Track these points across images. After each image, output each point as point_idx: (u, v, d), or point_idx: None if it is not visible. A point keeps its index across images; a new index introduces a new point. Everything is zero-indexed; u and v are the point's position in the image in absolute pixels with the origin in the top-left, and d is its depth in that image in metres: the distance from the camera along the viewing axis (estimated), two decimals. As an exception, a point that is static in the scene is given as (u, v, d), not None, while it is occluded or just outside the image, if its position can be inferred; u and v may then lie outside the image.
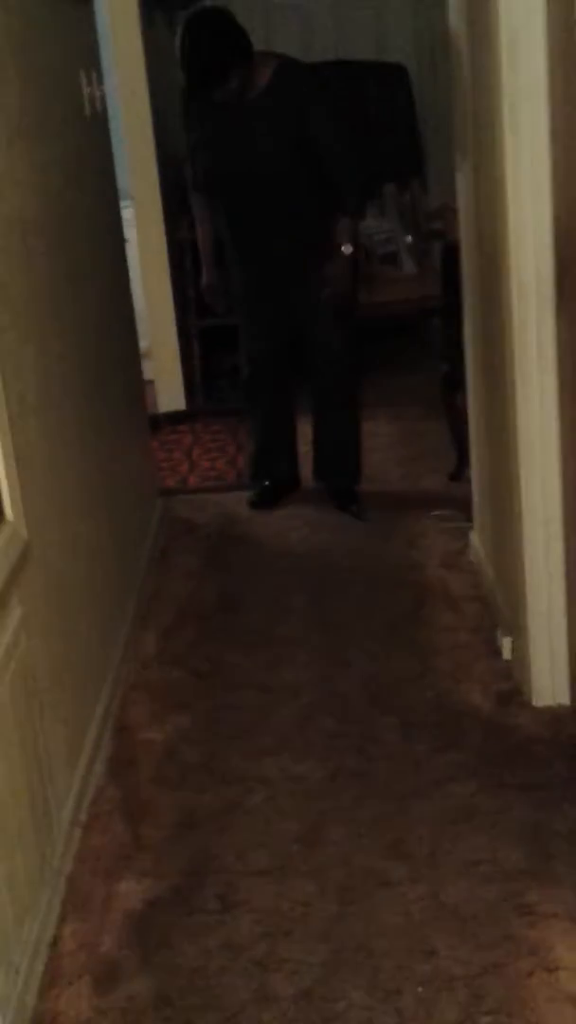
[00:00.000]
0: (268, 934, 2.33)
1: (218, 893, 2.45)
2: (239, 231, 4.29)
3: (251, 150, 4.06)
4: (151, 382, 5.36)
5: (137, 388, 4.36)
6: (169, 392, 5.65)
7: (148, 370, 4.97)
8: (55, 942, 2.34)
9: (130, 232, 4.71)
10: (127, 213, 4.72)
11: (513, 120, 2.65)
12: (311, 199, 4.11)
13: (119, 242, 4.20)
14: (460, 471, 4.36)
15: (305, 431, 4.58)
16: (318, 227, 4.11)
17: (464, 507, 3.97)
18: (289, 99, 4.00)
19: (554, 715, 2.93)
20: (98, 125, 3.82)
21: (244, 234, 4.28)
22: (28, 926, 2.24)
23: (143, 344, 4.68)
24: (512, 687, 3.08)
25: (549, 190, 2.65)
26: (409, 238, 5.99)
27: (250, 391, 4.58)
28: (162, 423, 5.47)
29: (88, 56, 3.71)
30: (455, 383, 4.25)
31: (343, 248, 4.11)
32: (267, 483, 4.56)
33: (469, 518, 3.89)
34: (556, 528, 2.84)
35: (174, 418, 5.60)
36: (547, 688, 2.96)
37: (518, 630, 3.06)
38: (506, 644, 3.19)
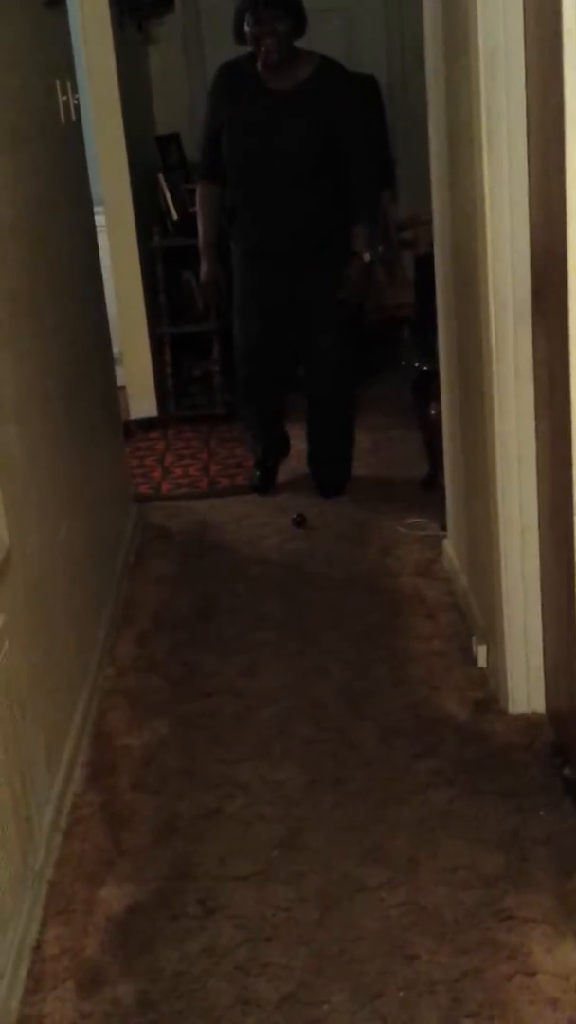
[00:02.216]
0: (250, 939, 2.35)
1: (199, 898, 2.47)
2: (250, 219, 4.35)
3: (281, 137, 4.20)
4: (123, 388, 5.36)
5: (111, 394, 4.37)
6: (141, 398, 5.66)
7: (120, 376, 4.97)
8: (38, 947, 2.35)
9: (102, 239, 4.72)
10: (99, 219, 4.73)
11: (491, 135, 2.68)
12: (325, 200, 4.25)
13: (94, 249, 4.21)
14: (433, 480, 4.40)
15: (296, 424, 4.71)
16: (327, 228, 4.26)
17: (437, 516, 4.01)
18: (327, 96, 4.19)
19: (529, 722, 2.97)
20: (73, 133, 3.83)
21: (255, 222, 4.34)
22: (11, 931, 2.25)
23: (115, 350, 4.69)
24: (488, 695, 3.12)
25: (526, 204, 2.69)
26: (380, 248, 6.02)
27: (246, 389, 4.67)
28: (134, 430, 5.48)
29: (63, 64, 3.72)
30: (428, 393, 4.29)
31: (364, 255, 4.27)
32: (262, 470, 4.75)
33: (443, 527, 3.92)
34: (532, 537, 2.87)
35: (146, 425, 5.61)
36: (523, 696, 2.99)
37: (493, 638, 3.09)
38: (481, 652, 3.23)
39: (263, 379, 4.61)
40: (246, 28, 4.15)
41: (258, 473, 4.75)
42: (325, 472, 4.65)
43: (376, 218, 4.43)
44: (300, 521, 4.35)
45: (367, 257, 4.28)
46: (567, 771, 2.72)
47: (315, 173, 4.22)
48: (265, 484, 4.72)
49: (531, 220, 2.68)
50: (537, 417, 2.78)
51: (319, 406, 4.61)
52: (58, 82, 3.54)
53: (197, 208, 4.54)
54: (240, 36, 4.21)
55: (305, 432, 4.71)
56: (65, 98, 3.62)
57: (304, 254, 4.30)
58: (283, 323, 4.47)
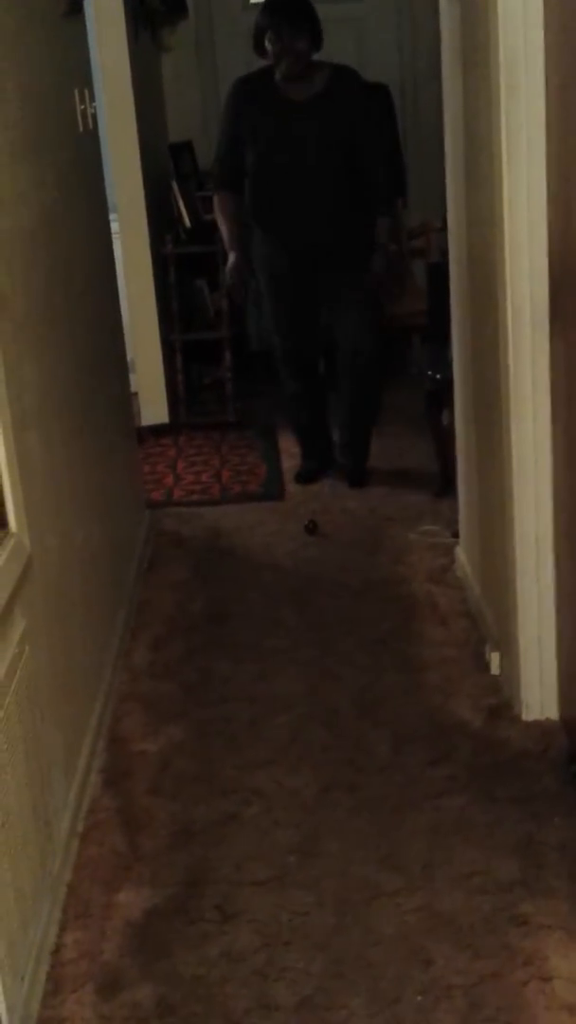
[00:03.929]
0: (267, 944, 2.36)
1: (217, 903, 2.48)
2: (273, 225, 4.51)
3: (301, 144, 4.36)
4: (135, 395, 5.38)
5: (126, 400, 4.39)
6: (153, 405, 5.68)
7: (132, 383, 5.00)
8: (57, 950, 2.36)
9: (115, 245, 4.74)
10: (112, 226, 4.75)
11: (510, 144, 2.70)
12: (345, 201, 4.42)
13: (109, 256, 4.24)
14: (445, 488, 4.42)
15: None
16: (348, 228, 4.43)
17: (450, 523, 4.03)
18: (342, 102, 4.37)
19: (543, 729, 2.98)
20: (90, 141, 3.86)
21: (279, 223, 4.49)
22: (31, 934, 2.26)
23: (127, 357, 4.71)
24: (501, 701, 3.13)
25: (544, 212, 2.70)
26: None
27: (288, 366, 4.83)
28: (145, 436, 5.50)
29: (81, 74, 3.75)
30: (441, 401, 4.31)
31: (390, 245, 4.48)
32: (311, 463, 4.94)
33: (455, 534, 3.94)
34: (547, 545, 2.89)
35: (157, 431, 5.63)
36: (536, 703, 3.01)
37: (507, 645, 3.11)
38: (494, 659, 3.24)
39: (303, 351, 4.79)
40: (267, 45, 4.30)
41: (303, 465, 4.94)
42: (354, 459, 4.82)
43: (396, 212, 4.60)
44: (312, 528, 4.36)
45: (392, 247, 4.49)
46: (582, 778, 2.74)
47: (335, 176, 4.38)
48: (309, 476, 4.89)
49: (549, 228, 2.70)
50: (553, 423, 2.79)
51: (346, 396, 4.78)
52: (76, 91, 3.57)
53: (217, 214, 4.69)
54: (260, 50, 4.36)
55: (336, 422, 4.91)
56: (83, 107, 3.65)
57: (326, 252, 4.47)
58: (311, 306, 4.66)
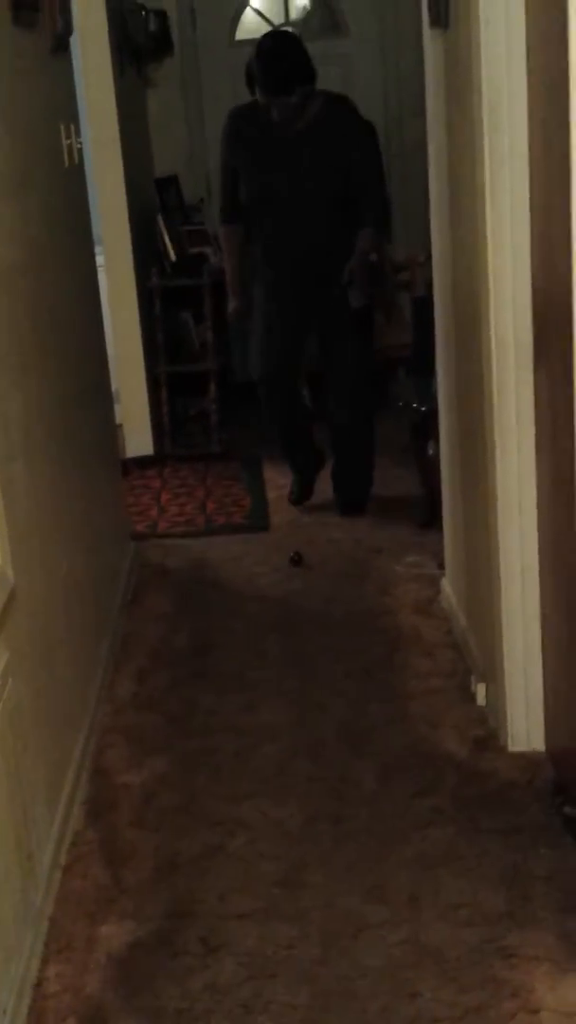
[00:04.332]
0: (252, 976, 2.34)
1: (200, 936, 2.47)
2: (273, 244, 4.58)
3: (298, 173, 4.43)
4: (120, 426, 5.38)
5: (110, 432, 4.40)
6: (137, 437, 5.69)
7: (117, 414, 5.01)
8: (39, 983, 2.34)
9: (100, 278, 4.76)
10: (98, 259, 4.78)
11: (493, 180, 2.73)
12: (341, 220, 4.49)
13: (94, 288, 4.25)
14: (430, 519, 4.43)
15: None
16: (343, 240, 4.49)
17: (435, 554, 4.04)
18: (338, 131, 4.43)
19: (529, 761, 2.98)
20: (76, 175, 3.88)
21: (277, 247, 4.58)
22: (13, 967, 2.24)
23: (112, 388, 4.73)
24: (487, 732, 3.13)
25: (528, 247, 2.73)
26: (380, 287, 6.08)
27: (269, 411, 4.87)
28: (130, 468, 5.50)
29: (67, 109, 3.77)
30: (426, 432, 4.32)
31: (370, 255, 4.53)
32: (300, 481, 4.96)
33: (441, 565, 3.94)
34: (532, 576, 2.89)
35: (142, 463, 5.64)
36: (522, 734, 3.01)
37: (493, 677, 3.11)
38: (480, 690, 3.24)
39: (282, 399, 4.80)
40: (257, 92, 4.36)
41: (296, 485, 4.96)
42: (345, 489, 4.84)
43: (383, 228, 4.66)
44: (297, 560, 4.37)
45: (373, 257, 4.53)
46: (567, 809, 2.73)
47: (331, 201, 4.47)
48: (301, 496, 4.93)
49: (532, 262, 2.72)
50: (538, 456, 2.81)
51: (341, 423, 4.81)
52: (63, 126, 3.60)
53: (223, 250, 4.82)
54: (251, 89, 4.42)
55: (331, 448, 4.92)
56: (69, 142, 3.67)
57: (321, 276, 4.52)
58: (301, 343, 4.72)
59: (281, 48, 4.35)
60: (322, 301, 4.60)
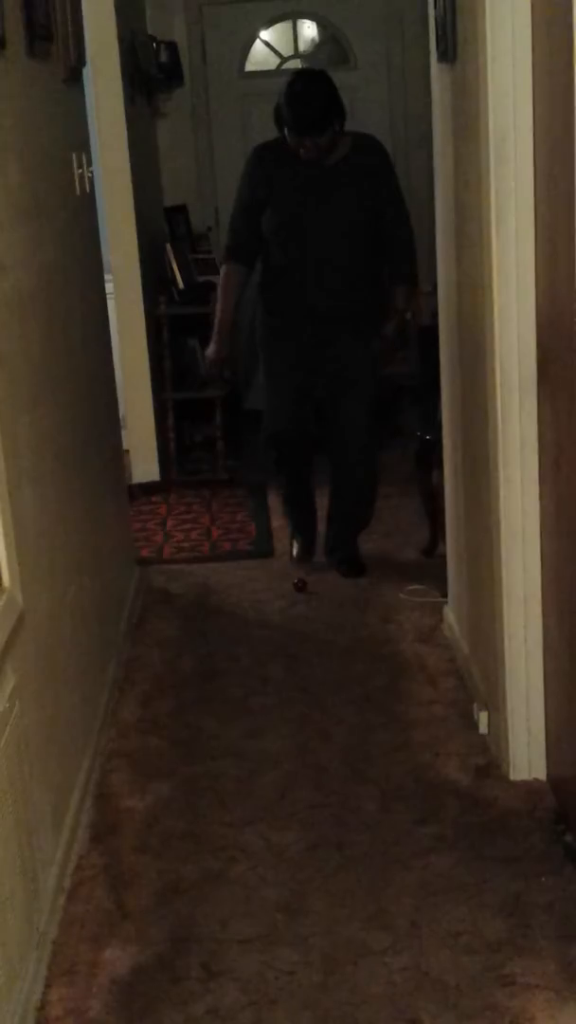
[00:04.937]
0: (253, 1003, 2.35)
1: (202, 961, 2.47)
2: (292, 288, 4.37)
3: (328, 207, 4.28)
4: (126, 452, 5.42)
5: (117, 457, 4.43)
6: (144, 463, 5.73)
7: (123, 440, 5.04)
8: (42, 1007, 2.35)
9: (109, 306, 4.80)
10: (107, 287, 4.82)
11: (499, 213, 2.76)
12: (365, 261, 4.34)
13: (104, 315, 4.29)
14: (433, 547, 4.45)
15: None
16: (364, 294, 4.35)
17: (438, 583, 4.06)
18: (366, 169, 4.30)
19: (531, 789, 2.99)
20: (87, 204, 3.92)
21: (297, 290, 4.36)
22: (16, 991, 2.25)
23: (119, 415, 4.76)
24: (489, 761, 3.14)
25: (532, 278, 2.76)
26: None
27: (280, 468, 4.66)
28: (136, 493, 5.53)
29: (79, 138, 3.82)
30: (430, 461, 4.35)
31: (406, 313, 4.40)
32: (304, 541, 4.71)
33: (444, 594, 3.96)
34: (535, 606, 2.91)
35: (148, 489, 5.67)
36: (524, 763, 3.02)
37: (495, 705, 3.12)
38: (483, 718, 3.25)
39: (296, 457, 4.60)
40: (286, 132, 4.22)
41: (299, 544, 4.71)
42: (346, 551, 4.60)
43: (416, 278, 4.47)
44: (302, 586, 4.39)
45: (408, 315, 4.41)
46: (568, 838, 2.74)
47: (359, 241, 4.32)
48: (305, 554, 4.69)
49: (537, 293, 2.75)
50: (541, 485, 2.83)
51: (346, 485, 4.59)
52: (74, 155, 3.64)
53: (220, 289, 4.50)
54: (280, 127, 4.27)
55: (327, 514, 4.68)
56: (80, 171, 3.72)
57: (341, 319, 4.35)
58: (312, 396, 4.51)
59: (312, 90, 4.17)
60: (336, 356, 4.37)
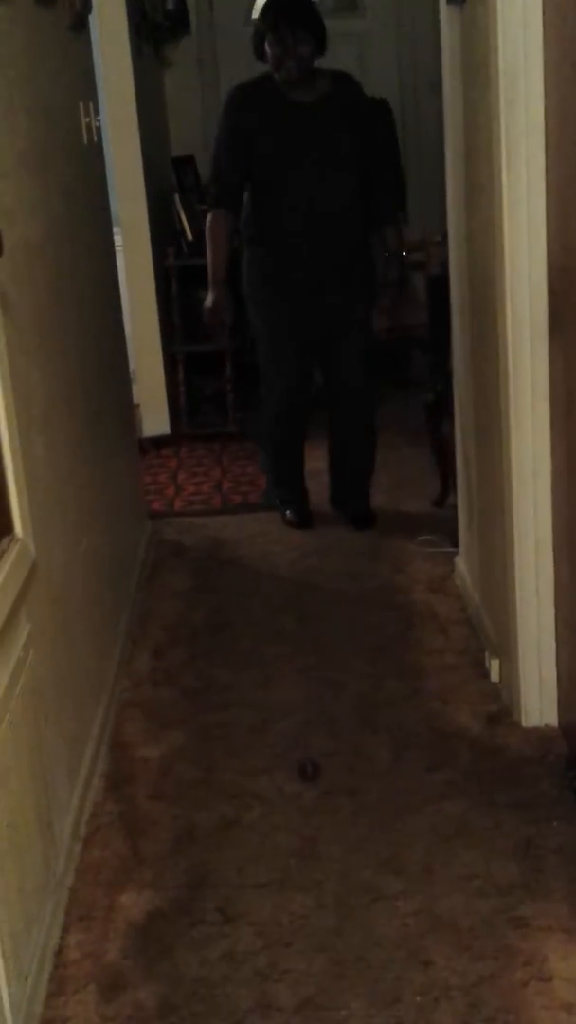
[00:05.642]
0: (268, 945, 2.38)
1: (218, 906, 2.50)
2: (283, 233, 4.28)
3: (312, 146, 4.21)
4: (136, 406, 5.41)
5: (128, 410, 4.42)
6: (154, 416, 5.72)
7: (134, 394, 5.03)
8: (60, 951, 2.38)
9: (118, 258, 4.77)
10: (115, 239, 4.79)
11: (509, 156, 2.74)
12: (356, 202, 4.28)
13: (112, 267, 4.27)
14: (444, 498, 4.45)
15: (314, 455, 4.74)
16: (358, 232, 4.31)
17: (449, 533, 4.06)
18: (349, 106, 4.27)
19: (542, 736, 3.00)
20: (94, 154, 3.89)
21: (288, 236, 4.27)
22: (34, 935, 2.28)
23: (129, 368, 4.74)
24: (500, 708, 3.15)
25: (543, 224, 2.74)
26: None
27: (280, 426, 4.58)
28: (147, 447, 5.53)
29: (86, 87, 3.79)
30: (440, 412, 4.34)
31: (400, 254, 4.37)
32: (301, 504, 4.62)
33: (454, 544, 3.97)
34: (546, 551, 2.91)
35: (159, 442, 5.67)
36: (535, 709, 3.03)
37: (506, 653, 3.13)
38: (494, 666, 3.27)
39: (299, 415, 4.56)
40: (267, 48, 4.16)
41: (292, 512, 4.60)
42: (357, 504, 4.58)
43: (401, 213, 4.48)
44: (312, 775, 3.00)
45: (403, 254, 4.38)
46: (580, 783, 2.76)
47: (346, 179, 4.23)
48: (305, 520, 4.59)
49: (548, 239, 2.73)
50: (553, 433, 2.82)
51: (349, 433, 4.57)
52: (81, 104, 3.61)
53: (208, 237, 4.36)
54: (261, 55, 4.22)
55: (329, 464, 4.66)
56: (88, 120, 3.69)
57: (334, 266, 4.28)
58: (312, 351, 4.45)
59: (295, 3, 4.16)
60: (331, 308, 4.31)
